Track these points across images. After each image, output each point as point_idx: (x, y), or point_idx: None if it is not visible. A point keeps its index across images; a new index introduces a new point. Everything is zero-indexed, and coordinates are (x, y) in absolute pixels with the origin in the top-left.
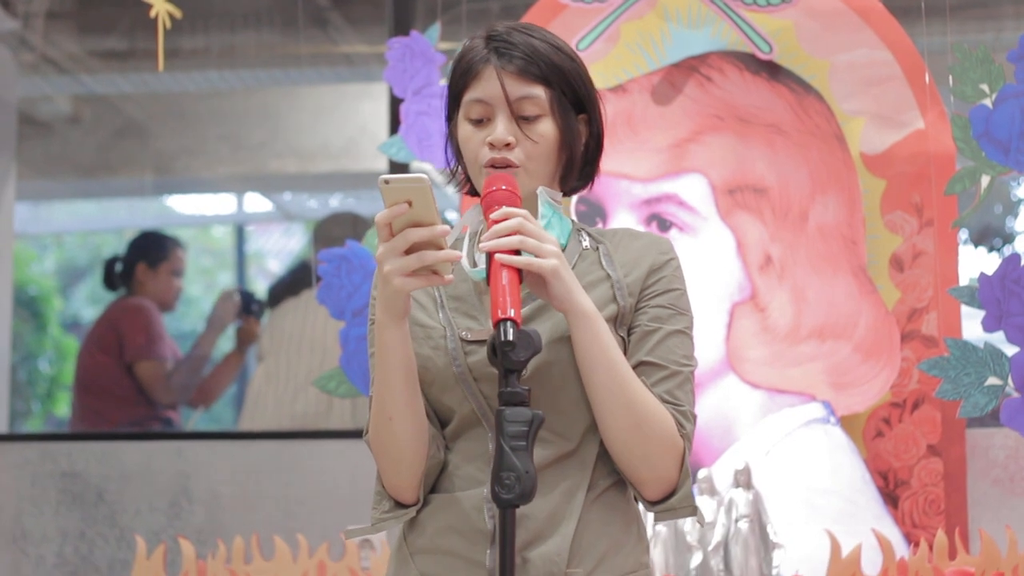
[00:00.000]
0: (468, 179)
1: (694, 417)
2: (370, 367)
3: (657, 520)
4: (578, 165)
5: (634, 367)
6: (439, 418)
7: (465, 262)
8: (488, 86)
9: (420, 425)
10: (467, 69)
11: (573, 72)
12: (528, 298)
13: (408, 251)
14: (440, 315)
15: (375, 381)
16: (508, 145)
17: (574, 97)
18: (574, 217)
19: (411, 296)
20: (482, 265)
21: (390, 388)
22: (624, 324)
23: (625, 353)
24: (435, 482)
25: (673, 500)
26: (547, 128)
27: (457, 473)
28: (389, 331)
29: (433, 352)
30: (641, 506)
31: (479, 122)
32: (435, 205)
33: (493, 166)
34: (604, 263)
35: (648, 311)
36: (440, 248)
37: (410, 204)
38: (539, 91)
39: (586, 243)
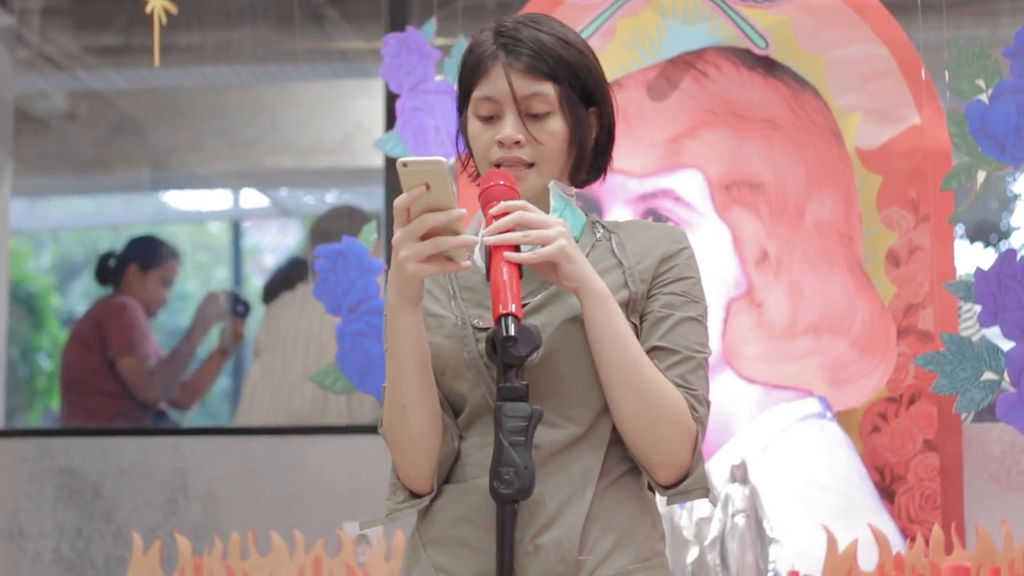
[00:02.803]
0: (480, 174)
1: (708, 402)
2: (386, 361)
3: (670, 503)
4: (588, 159)
5: (647, 352)
6: (452, 407)
7: (478, 255)
8: (496, 84)
9: (434, 414)
10: (476, 65)
11: (582, 66)
12: (539, 288)
13: (425, 236)
14: (452, 305)
15: (388, 368)
16: (517, 143)
17: (583, 91)
18: None
19: (426, 287)
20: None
21: (403, 375)
22: (636, 311)
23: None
24: (449, 472)
25: (686, 483)
26: (556, 125)
27: (469, 462)
28: (402, 317)
29: (445, 340)
30: (655, 491)
31: (488, 119)
32: (452, 189)
33: (501, 165)
34: (616, 251)
35: (661, 298)
36: (457, 233)
37: (428, 187)
38: (548, 88)
39: (599, 234)
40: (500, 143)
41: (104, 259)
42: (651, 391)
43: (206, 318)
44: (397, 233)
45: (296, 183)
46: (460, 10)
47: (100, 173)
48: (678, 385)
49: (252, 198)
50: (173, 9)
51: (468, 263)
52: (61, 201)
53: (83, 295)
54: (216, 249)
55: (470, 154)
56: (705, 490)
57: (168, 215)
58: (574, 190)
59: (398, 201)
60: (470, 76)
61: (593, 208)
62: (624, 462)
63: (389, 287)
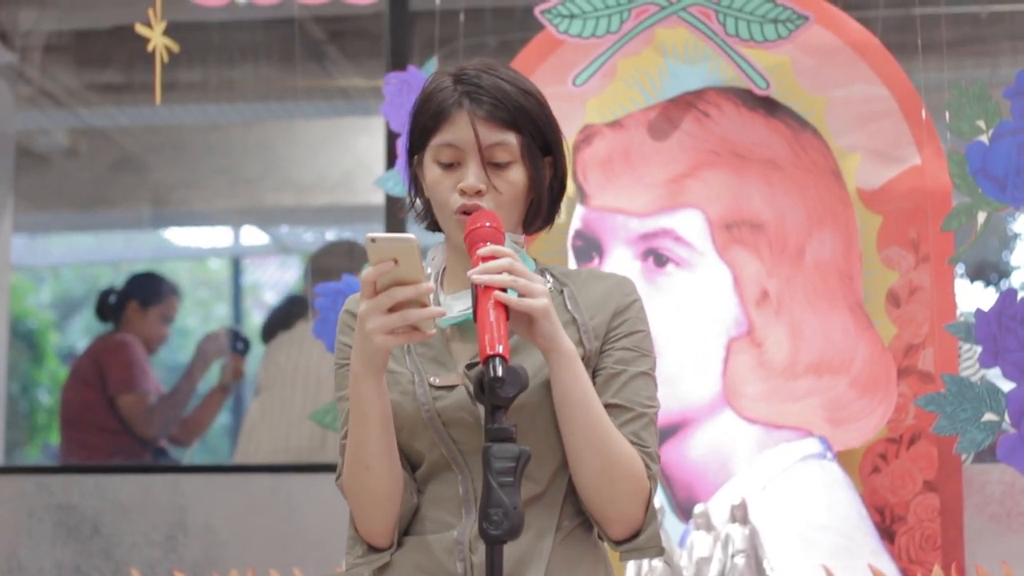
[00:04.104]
0: (428, 215)
1: (658, 458)
2: (338, 411)
3: (622, 559)
4: (545, 208)
5: None
6: (409, 462)
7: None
8: (460, 131)
9: (396, 473)
10: (438, 112)
11: (541, 116)
12: None
13: (392, 309)
14: (407, 361)
15: (350, 429)
16: (479, 192)
17: (542, 141)
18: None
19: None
20: (455, 312)
21: (367, 438)
22: (589, 367)
23: None
24: (407, 524)
25: (640, 540)
26: (517, 175)
27: (428, 516)
28: (367, 383)
29: (402, 398)
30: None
31: (449, 166)
32: (421, 264)
33: (465, 212)
34: (569, 306)
35: (613, 353)
36: (424, 305)
37: (396, 262)
38: (511, 138)
39: (550, 284)
40: (462, 191)
41: (104, 295)
42: (611, 450)
43: (206, 355)
44: (363, 305)
45: (297, 220)
46: (461, 49)
47: (101, 210)
48: (632, 443)
49: (252, 235)
50: (175, 47)
51: (434, 331)
52: (62, 237)
53: (83, 331)
54: (216, 286)
55: (418, 196)
56: (659, 548)
57: (169, 252)
58: (523, 238)
59: (365, 274)
60: (431, 122)
61: (594, 247)
62: (577, 515)
63: (354, 355)
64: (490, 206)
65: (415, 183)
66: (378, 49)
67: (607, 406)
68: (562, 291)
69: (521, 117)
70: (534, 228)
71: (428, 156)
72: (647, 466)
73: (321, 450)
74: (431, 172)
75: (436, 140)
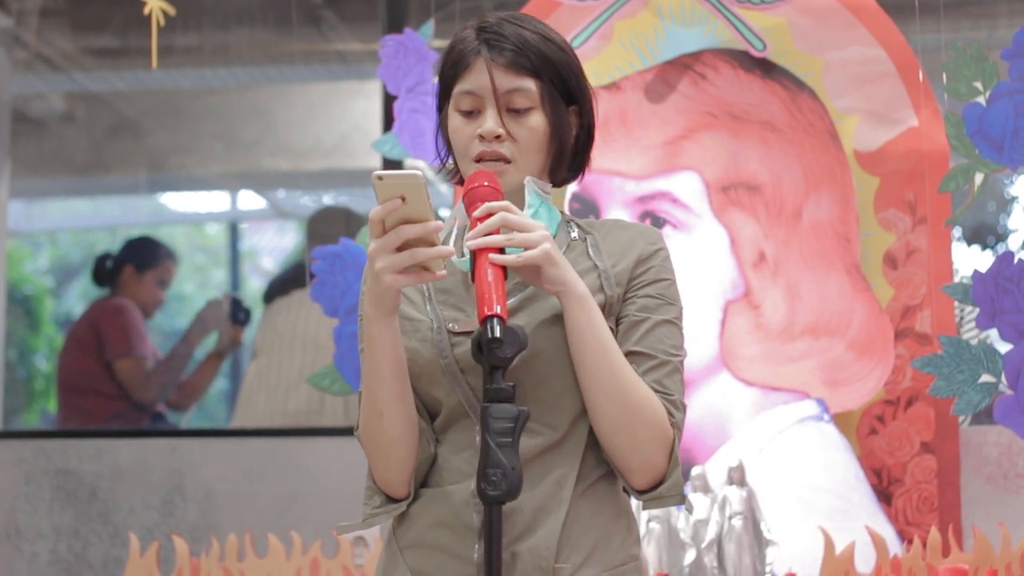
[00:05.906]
0: (459, 170)
1: (684, 407)
2: (361, 363)
3: (645, 508)
4: (568, 157)
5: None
6: (428, 411)
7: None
8: (478, 78)
9: (410, 419)
10: (457, 60)
11: (564, 64)
12: (515, 289)
13: (400, 248)
14: (428, 308)
15: (365, 376)
16: (498, 138)
17: (564, 89)
18: (567, 211)
19: (400, 291)
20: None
21: (380, 383)
22: (612, 314)
23: None
24: (425, 476)
25: (662, 488)
26: (537, 121)
27: (446, 466)
28: (378, 326)
29: (420, 345)
30: (631, 496)
31: (469, 114)
32: (429, 201)
33: (482, 159)
34: (591, 253)
35: (636, 301)
36: (433, 244)
37: (404, 200)
38: (529, 84)
39: (574, 234)
40: (481, 137)
41: (101, 260)
42: (631, 396)
43: (206, 322)
44: (372, 244)
45: (293, 185)
46: (457, 12)
47: (97, 175)
48: (655, 391)
49: (249, 200)
50: (171, 11)
51: (444, 272)
52: (58, 203)
53: (80, 297)
54: (213, 251)
55: (449, 152)
56: (681, 497)
57: (165, 217)
58: (551, 187)
59: (373, 213)
60: (452, 72)
61: (591, 209)
62: (600, 466)
63: (365, 298)
64: (510, 151)
65: (445, 138)
66: (374, 12)
67: (629, 354)
68: (585, 239)
69: (540, 63)
70: (559, 178)
71: (450, 106)
72: (671, 413)
73: (319, 414)
74: (453, 121)
75: (456, 89)
